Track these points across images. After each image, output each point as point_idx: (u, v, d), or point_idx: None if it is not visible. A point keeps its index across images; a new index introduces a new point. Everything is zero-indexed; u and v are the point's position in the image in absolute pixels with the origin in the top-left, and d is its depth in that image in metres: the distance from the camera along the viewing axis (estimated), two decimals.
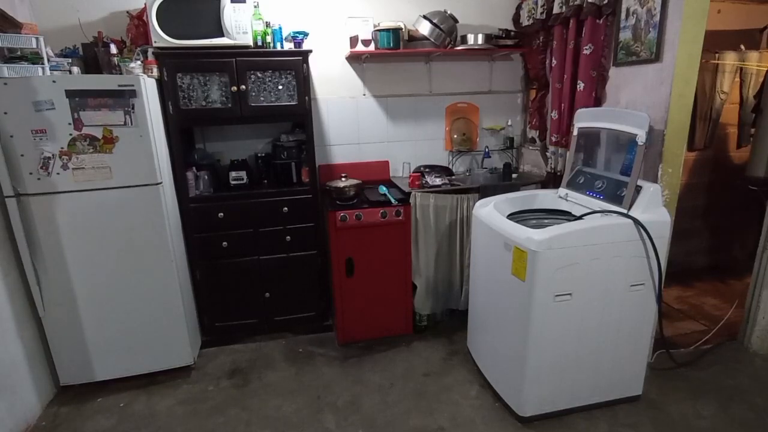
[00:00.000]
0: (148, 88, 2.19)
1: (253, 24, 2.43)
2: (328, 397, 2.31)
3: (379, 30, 2.74)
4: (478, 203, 2.36)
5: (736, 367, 2.44)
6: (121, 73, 2.26)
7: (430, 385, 2.38)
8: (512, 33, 2.94)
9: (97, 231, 2.21)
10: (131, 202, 2.22)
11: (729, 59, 3.13)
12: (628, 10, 2.21)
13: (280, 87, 2.53)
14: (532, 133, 3.12)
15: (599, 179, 2.21)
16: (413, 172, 2.95)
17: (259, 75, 2.49)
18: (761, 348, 2.55)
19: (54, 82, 2.04)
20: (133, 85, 2.10)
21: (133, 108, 2.12)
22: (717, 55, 3.09)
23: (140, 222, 2.26)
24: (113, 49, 2.31)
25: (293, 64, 2.50)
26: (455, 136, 3.19)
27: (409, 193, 2.66)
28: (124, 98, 2.10)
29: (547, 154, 2.91)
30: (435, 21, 2.73)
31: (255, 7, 2.45)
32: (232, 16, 2.34)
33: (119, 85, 2.09)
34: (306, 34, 2.64)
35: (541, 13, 2.75)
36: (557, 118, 2.74)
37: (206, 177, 2.61)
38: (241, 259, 2.66)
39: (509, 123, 3.21)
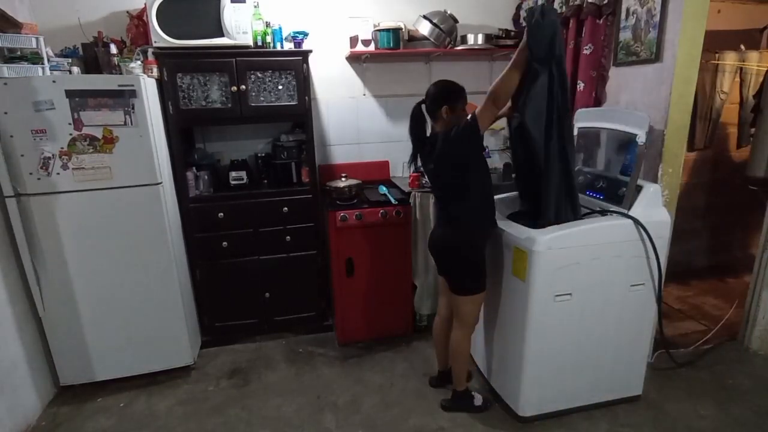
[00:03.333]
0: (148, 88, 2.19)
1: (253, 24, 2.43)
2: (328, 397, 2.31)
3: (379, 30, 2.74)
4: None
5: (736, 367, 2.44)
6: (121, 73, 2.27)
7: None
8: (512, 33, 2.93)
9: (97, 231, 2.21)
10: (131, 202, 2.22)
11: (729, 59, 3.13)
12: (628, 10, 2.21)
13: (280, 87, 2.53)
14: None
15: (599, 179, 2.21)
16: (413, 172, 2.94)
17: (259, 75, 2.49)
18: (761, 348, 2.55)
19: (54, 82, 2.04)
20: (133, 85, 2.10)
21: (133, 108, 2.12)
22: (717, 55, 3.09)
23: (140, 222, 2.26)
24: (113, 49, 2.31)
25: (293, 64, 2.50)
26: None
27: (409, 193, 2.66)
28: (124, 98, 2.10)
29: None
30: (435, 21, 2.73)
31: (255, 7, 2.45)
32: (232, 16, 2.34)
33: (119, 85, 2.09)
34: (306, 34, 2.64)
35: None
36: None
37: (206, 177, 2.61)
38: (241, 259, 2.66)
39: None
